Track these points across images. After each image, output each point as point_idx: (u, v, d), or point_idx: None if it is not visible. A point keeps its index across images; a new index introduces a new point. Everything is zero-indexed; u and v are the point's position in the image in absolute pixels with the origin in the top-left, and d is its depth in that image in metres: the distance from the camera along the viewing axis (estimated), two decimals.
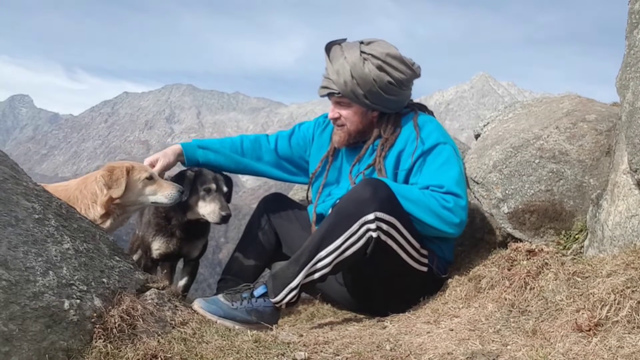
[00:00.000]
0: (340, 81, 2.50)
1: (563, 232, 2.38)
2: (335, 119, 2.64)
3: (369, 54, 2.49)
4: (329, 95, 2.62)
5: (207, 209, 2.77)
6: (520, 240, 2.44)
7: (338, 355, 1.77)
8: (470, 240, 2.85)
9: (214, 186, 2.81)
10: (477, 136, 3.25)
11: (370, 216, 2.17)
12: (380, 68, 2.47)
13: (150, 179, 2.53)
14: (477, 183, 2.58)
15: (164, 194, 2.51)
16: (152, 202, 2.55)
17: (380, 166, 2.51)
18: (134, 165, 2.54)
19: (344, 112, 2.60)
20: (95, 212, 2.42)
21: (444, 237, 2.45)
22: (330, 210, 2.40)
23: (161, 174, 2.72)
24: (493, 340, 1.79)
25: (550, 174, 2.41)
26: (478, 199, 2.60)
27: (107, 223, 2.45)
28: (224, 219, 2.78)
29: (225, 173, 2.92)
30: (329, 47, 2.60)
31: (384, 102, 2.55)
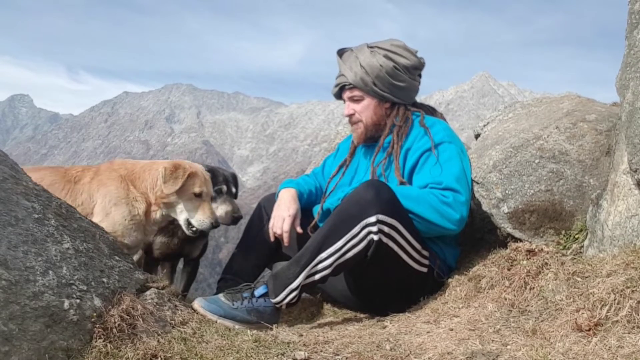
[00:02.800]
0: (351, 73, 2.64)
1: (563, 232, 2.38)
2: (351, 116, 2.72)
3: (375, 47, 2.66)
4: (341, 90, 2.73)
5: (219, 211, 2.79)
6: (520, 240, 2.44)
7: (338, 354, 1.77)
8: (470, 240, 2.85)
9: (225, 188, 2.83)
10: (477, 136, 3.25)
11: (372, 219, 2.17)
12: (386, 56, 2.62)
13: (199, 195, 2.41)
14: (477, 183, 2.58)
15: (197, 217, 2.39)
16: (179, 215, 2.42)
17: (397, 153, 2.56)
18: (197, 173, 2.43)
19: (358, 107, 2.69)
20: (150, 198, 2.39)
21: (446, 237, 2.46)
22: (334, 209, 2.41)
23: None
24: (493, 340, 1.79)
25: (550, 173, 2.41)
26: (478, 199, 2.60)
27: (157, 214, 2.42)
28: (235, 221, 2.80)
29: (232, 171, 2.96)
30: (341, 52, 2.77)
31: (393, 89, 2.64)
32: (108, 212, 2.34)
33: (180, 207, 2.41)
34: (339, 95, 2.79)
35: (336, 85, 2.74)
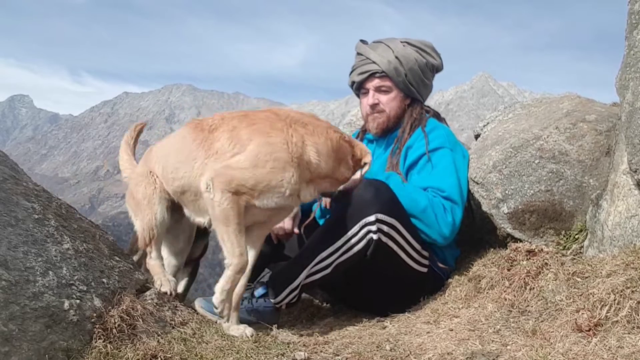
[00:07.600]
0: (384, 61, 2.62)
1: (563, 232, 2.38)
2: (375, 105, 2.69)
3: (407, 42, 2.67)
4: (369, 78, 2.67)
5: None
6: (520, 241, 2.44)
7: (338, 355, 1.77)
8: (470, 241, 2.85)
9: None
10: (477, 136, 3.25)
11: (371, 218, 2.17)
12: (418, 52, 2.65)
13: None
14: (477, 183, 2.58)
15: None
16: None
17: (400, 149, 2.57)
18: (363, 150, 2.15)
19: (384, 99, 2.68)
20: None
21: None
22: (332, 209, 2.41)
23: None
24: (493, 341, 1.79)
25: (550, 174, 2.41)
26: (478, 199, 2.60)
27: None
28: None
29: None
30: (364, 42, 2.77)
31: (420, 85, 2.67)
32: (260, 165, 1.90)
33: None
34: (359, 85, 2.72)
35: (364, 72, 2.66)
